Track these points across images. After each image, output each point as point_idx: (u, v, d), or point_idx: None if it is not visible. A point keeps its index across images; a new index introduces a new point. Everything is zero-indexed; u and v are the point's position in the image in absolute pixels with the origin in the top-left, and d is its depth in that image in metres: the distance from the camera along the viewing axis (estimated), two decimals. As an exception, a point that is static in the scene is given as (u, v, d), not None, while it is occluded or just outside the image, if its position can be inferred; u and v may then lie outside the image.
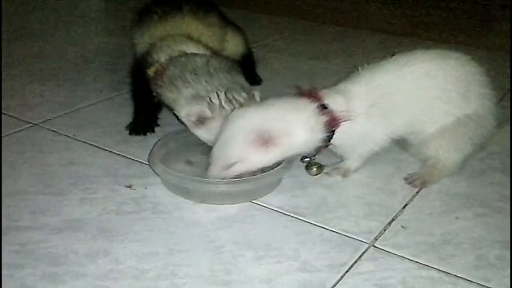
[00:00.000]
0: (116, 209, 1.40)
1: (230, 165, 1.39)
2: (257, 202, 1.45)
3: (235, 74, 1.60)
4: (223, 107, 1.50)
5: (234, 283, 1.15)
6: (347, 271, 1.19)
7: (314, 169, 1.55)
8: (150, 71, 1.68)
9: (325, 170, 1.56)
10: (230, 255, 1.24)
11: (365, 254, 1.25)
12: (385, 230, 1.34)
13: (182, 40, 1.73)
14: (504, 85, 2.25)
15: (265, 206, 1.44)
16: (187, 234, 1.31)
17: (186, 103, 1.55)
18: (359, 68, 1.52)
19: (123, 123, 1.85)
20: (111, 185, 1.51)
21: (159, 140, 1.62)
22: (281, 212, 1.41)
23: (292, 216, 1.40)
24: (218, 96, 1.50)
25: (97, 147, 1.72)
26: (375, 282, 1.16)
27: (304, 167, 1.57)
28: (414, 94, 1.48)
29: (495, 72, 1.77)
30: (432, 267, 1.20)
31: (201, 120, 1.52)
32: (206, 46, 1.75)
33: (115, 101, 2.09)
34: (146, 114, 1.83)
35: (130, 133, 1.80)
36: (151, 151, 1.57)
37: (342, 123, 1.42)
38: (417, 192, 1.51)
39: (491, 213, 1.41)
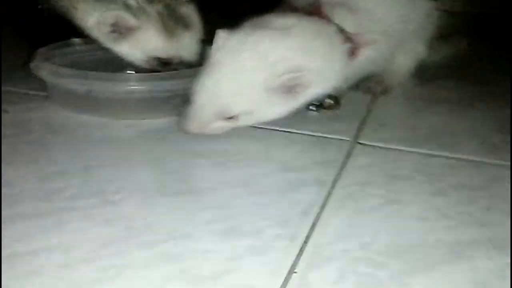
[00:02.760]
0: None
1: (228, 117, 0.94)
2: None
3: None
4: (146, 10, 1.09)
5: (198, 190, 0.80)
6: (342, 167, 0.87)
7: (329, 102, 1.13)
8: None
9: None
10: (177, 164, 0.88)
11: (353, 150, 0.94)
12: (361, 129, 1.04)
13: None
14: None
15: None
16: (105, 150, 0.93)
17: (91, 8, 1.10)
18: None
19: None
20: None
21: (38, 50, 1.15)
22: (225, 122, 1.04)
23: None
24: None
25: None
26: (384, 174, 0.86)
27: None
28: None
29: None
30: (442, 155, 0.93)
31: (121, 31, 1.09)
32: None
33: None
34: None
35: None
36: (32, 58, 1.11)
37: (364, 50, 1.04)
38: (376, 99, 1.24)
39: (465, 108, 1.20)
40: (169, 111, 1.03)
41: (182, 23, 1.13)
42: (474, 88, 1.33)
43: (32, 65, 1.08)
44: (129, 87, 1.02)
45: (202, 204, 0.75)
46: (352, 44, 1.02)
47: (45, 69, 1.05)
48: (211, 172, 0.86)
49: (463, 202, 0.79)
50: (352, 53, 1.03)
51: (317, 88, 0.96)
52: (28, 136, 0.97)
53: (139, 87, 1.02)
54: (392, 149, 0.97)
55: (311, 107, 1.12)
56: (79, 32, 1.20)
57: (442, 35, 1.49)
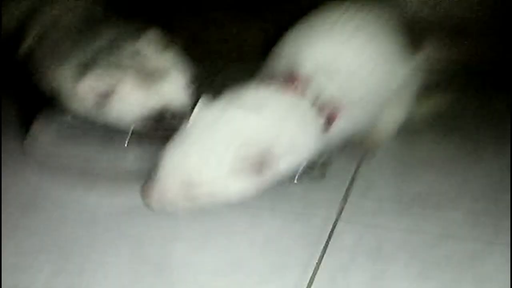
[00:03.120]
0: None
1: (191, 193, 0.91)
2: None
3: (123, 19, 1.15)
4: (121, 66, 1.05)
5: (175, 282, 0.79)
6: (326, 248, 0.86)
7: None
8: (22, 50, 1.18)
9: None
10: (156, 248, 0.83)
11: (337, 227, 0.95)
12: (344, 203, 1.03)
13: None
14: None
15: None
16: (84, 228, 0.90)
17: (69, 78, 1.08)
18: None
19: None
20: None
21: None
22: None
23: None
24: (108, 55, 1.06)
25: None
26: (370, 252, 0.86)
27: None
28: None
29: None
30: (424, 231, 0.95)
31: (104, 97, 1.06)
32: None
33: None
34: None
35: None
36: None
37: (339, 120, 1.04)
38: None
39: (451, 170, 1.19)
40: None
41: (158, 73, 1.08)
42: (459, 146, 1.32)
43: (25, 142, 1.10)
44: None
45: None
46: (326, 115, 1.02)
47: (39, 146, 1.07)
48: (191, 257, 0.83)
49: (448, 280, 0.77)
50: (328, 123, 1.03)
51: (286, 164, 0.95)
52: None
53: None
54: (375, 224, 0.95)
55: (295, 180, 1.10)
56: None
57: (427, 91, 1.49)
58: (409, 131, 1.36)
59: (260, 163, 0.90)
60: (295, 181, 1.09)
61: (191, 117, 0.96)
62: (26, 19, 1.21)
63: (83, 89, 1.04)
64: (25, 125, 1.23)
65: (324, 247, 0.87)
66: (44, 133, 1.13)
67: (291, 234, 0.92)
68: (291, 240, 0.90)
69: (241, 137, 0.90)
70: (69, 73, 1.09)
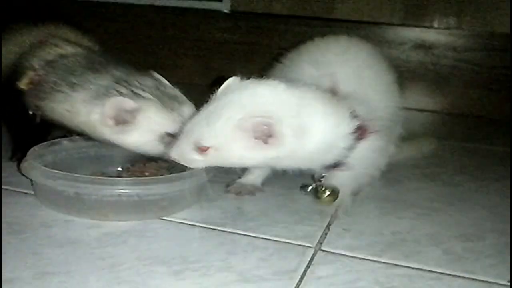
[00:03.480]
0: None
1: (202, 148, 1.01)
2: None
3: (123, 63, 1.23)
4: (140, 95, 1.12)
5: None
6: (301, 278, 0.86)
7: (327, 192, 1.17)
8: (22, 84, 1.23)
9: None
10: (133, 272, 0.85)
11: (315, 258, 0.94)
12: (326, 234, 1.04)
13: (59, 43, 1.31)
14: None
15: (166, 220, 1.08)
16: (62, 254, 0.91)
17: (88, 104, 1.14)
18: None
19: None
20: None
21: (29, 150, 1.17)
22: (190, 224, 1.05)
23: (206, 227, 1.04)
24: (124, 86, 1.13)
25: None
26: (344, 286, 0.84)
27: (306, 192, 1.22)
28: None
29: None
30: (403, 265, 0.92)
31: (125, 120, 1.11)
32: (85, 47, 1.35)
33: None
34: (31, 138, 1.31)
35: (14, 160, 1.32)
36: (24, 159, 1.12)
37: (369, 135, 1.10)
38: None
39: (431, 212, 1.21)
40: (157, 212, 1.06)
41: (175, 100, 1.16)
42: (441, 190, 1.35)
43: (22, 165, 1.09)
44: (117, 191, 1.02)
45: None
46: (360, 125, 1.07)
47: (35, 170, 1.06)
48: (166, 282, 0.84)
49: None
50: (360, 135, 1.07)
51: (296, 147, 1.00)
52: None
53: (128, 191, 1.02)
54: (354, 257, 0.96)
55: (306, 189, 1.17)
56: (67, 133, 1.26)
57: (410, 135, 1.53)
58: (393, 173, 1.37)
59: (263, 132, 0.96)
60: (307, 190, 1.16)
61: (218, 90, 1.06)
62: (25, 55, 1.28)
63: (110, 110, 1.09)
64: (20, 149, 1.27)
65: (300, 278, 0.87)
66: (41, 158, 1.16)
67: (269, 264, 0.92)
68: (269, 269, 0.90)
69: (252, 104, 0.98)
70: (86, 100, 1.14)
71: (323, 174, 1.16)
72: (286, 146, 0.99)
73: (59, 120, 1.20)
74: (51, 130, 1.36)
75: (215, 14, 2.52)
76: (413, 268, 0.93)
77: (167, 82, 1.19)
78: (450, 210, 1.22)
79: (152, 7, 2.58)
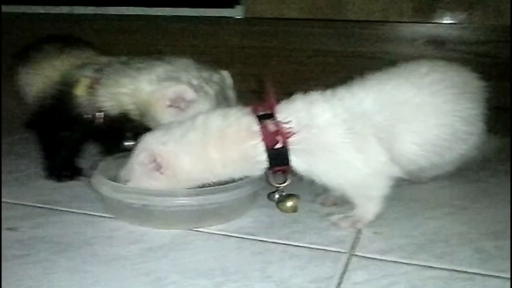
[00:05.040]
0: (-3, 254, 0.97)
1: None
2: (191, 229, 1.14)
3: (188, 58, 1.32)
4: (204, 88, 1.22)
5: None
6: (339, 284, 0.89)
7: (289, 203, 1.19)
8: (79, 90, 1.33)
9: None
10: (177, 286, 0.89)
11: (349, 263, 0.97)
12: (358, 239, 1.07)
13: (103, 57, 1.42)
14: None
15: (202, 231, 1.12)
16: (108, 271, 0.95)
17: (154, 85, 1.23)
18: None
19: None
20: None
21: (95, 163, 1.28)
22: (225, 235, 1.08)
23: (241, 237, 1.07)
24: (194, 77, 1.22)
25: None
26: (381, 289, 0.87)
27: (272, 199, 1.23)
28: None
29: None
30: (436, 267, 0.95)
31: (179, 106, 1.20)
32: None
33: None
34: (67, 156, 1.44)
35: (52, 178, 1.40)
36: (92, 174, 1.22)
37: (291, 139, 1.09)
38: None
39: (458, 211, 1.23)
40: (216, 220, 1.14)
41: (228, 103, 1.25)
42: (466, 187, 1.37)
43: (92, 180, 1.17)
44: (180, 201, 1.09)
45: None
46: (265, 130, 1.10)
47: (105, 185, 1.14)
48: (210, 294, 0.87)
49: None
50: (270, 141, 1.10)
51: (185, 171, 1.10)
52: (34, 257, 0.99)
53: (189, 201, 1.09)
54: (387, 261, 0.99)
55: (273, 198, 1.20)
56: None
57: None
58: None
59: (152, 164, 1.11)
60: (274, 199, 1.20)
61: None
62: (70, 71, 1.39)
63: (173, 94, 1.20)
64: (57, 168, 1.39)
65: (337, 284, 0.91)
66: (107, 172, 1.23)
67: (305, 271, 0.95)
68: (306, 276, 0.93)
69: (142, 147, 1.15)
70: (152, 80, 1.25)
71: (279, 184, 1.17)
72: (182, 171, 1.10)
73: (116, 108, 1.29)
74: (82, 149, 1.46)
75: (229, 20, 2.55)
76: (446, 269, 0.96)
77: (230, 83, 1.28)
78: (477, 208, 1.24)
79: (165, 16, 2.62)
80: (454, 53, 2.31)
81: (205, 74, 1.25)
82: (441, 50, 2.31)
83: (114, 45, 1.78)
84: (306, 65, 2.46)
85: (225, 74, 1.31)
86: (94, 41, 1.63)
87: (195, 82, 1.22)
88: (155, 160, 1.09)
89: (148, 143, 1.12)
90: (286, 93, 1.17)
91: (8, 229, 1.11)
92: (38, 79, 1.43)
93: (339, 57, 2.43)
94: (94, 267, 0.96)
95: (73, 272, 0.94)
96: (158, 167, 1.10)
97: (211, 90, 1.23)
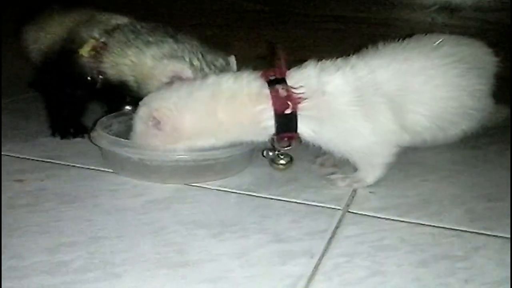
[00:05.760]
0: (5, 203, 1.03)
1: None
2: (192, 184, 1.17)
3: (197, 39, 1.33)
4: (204, 70, 1.23)
5: (195, 263, 0.86)
6: (331, 237, 0.93)
7: (282, 161, 1.22)
8: (84, 51, 1.35)
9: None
10: (177, 235, 0.93)
11: (343, 219, 1.01)
12: (353, 197, 1.10)
13: (112, 15, 1.43)
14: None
15: (203, 187, 1.16)
16: (112, 221, 0.99)
17: (156, 61, 1.25)
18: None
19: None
20: (-8, 181, 1.12)
21: (97, 120, 1.31)
22: (225, 191, 1.13)
23: (241, 193, 1.12)
24: (197, 58, 1.23)
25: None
26: (371, 244, 0.92)
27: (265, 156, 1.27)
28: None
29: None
30: (426, 224, 0.99)
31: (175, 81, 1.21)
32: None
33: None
34: (71, 113, 1.47)
35: (57, 135, 1.45)
36: (93, 129, 1.26)
37: (301, 105, 1.09)
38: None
39: (454, 174, 1.27)
40: (212, 176, 1.17)
41: None
42: (464, 153, 1.40)
43: (92, 134, 1.21)
44: (175, 156, 1.13)
45: (198, 277, 0.81)
46: (275, 95, 1.10)
47: (104, 139, 1.18)
48: (208, 243, 0.92)
49: (443, 273, 0.84)
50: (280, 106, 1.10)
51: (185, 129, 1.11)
52: (41, 207, 1.03)
53: (185, 157, 1.13)
54: (380, 218, 1.03)
55: (265, 154, 1.23)
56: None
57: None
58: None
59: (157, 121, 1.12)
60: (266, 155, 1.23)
61: None
62: (77, 29, 1.41)
63: (171, 71, 1.22)
64: (59, 125, 1.44)
65: (330, 237, 0.95)
66: (108, 128, 1.29)
67: (301, 225, 0.99)
68: (301, 229, 0.97)
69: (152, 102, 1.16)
70: (151, 58, 1.27)
71: (280, 147, 1.19)
72: (182, 128, 1.11)
73: (116, 75, 1.32)
74: (87, 107, 1.50)
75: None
76: (435, 226, 0.99)
77: (234, 69, 1.30)
78: (473, 173, 1.27)
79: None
80: (467, 21, 2.29)
81: (210, 57, 1.26)
82: (453, 17, 2.29)
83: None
84: (317, 30, 2.46)
85: (232, 60, 1.32)
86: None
87: (196, 63, 1.23)
88: (154, 117, 1.10)
89: (150, 99, 1.13)
90: (296, 60, 1.17)
91: (15, 180, 1.14)
92: (45, 36, 1.46)
93: (350, 23, 2.43)
94: (98, 217, 1.00)
95: (79, 221, 0.98)
96: (157, 123, 1.10)
97: (211, 73, 1.23)
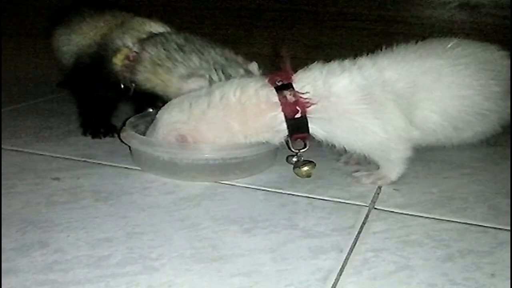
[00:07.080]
0: (45, 201, 1.08)
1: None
2: (221, 182, 1.21)
3: (222, 48, 1.37)
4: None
5: (228, 257, 0.89)
6: (359, 233, 0.96)
7: (303, 168, 1.22)
8: (117, 59, 1.40)
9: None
10: (210, 231, 0.97)
11: (370, 215, 1.04)
12: (378, 194, 1.13)
13: (145, 22, 1.47)
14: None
15: (231, 184, 1.20)
16: (146, 217, 1.04)
17: (182, 82, 1.30)
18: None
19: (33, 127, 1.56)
20: (31, 179, 1.19)
21: (126, 120, 1.36)
22: (253, 188, 1.16)
23: (268, 190, 1.15)
24: (217, 73, 1.28)
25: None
26: (397, 239, 0.95)
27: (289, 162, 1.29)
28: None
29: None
30: (451, 220, 1.01)
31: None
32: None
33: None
34: (102, 114, 1.53)
35: (88, 135, 1.50)
36: (122, 129, 1.31)
37: (310, 109, 1.13)
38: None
39: (477, 171, 1.29)
40: (239, 174, 1.21)
41: None
42: (486, 151, 1.42)
43: (122, 134, 1.27)
44: (204, 155, 1.17)
45: (231, 271, 0.85)
46: (285, 101, 1.14)
47: (134, 138, 1.23)
48: (240, 238, 0.95)
49: (469, 268, 0.87)
50: (291, 111, 1.14)
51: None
52: (78, 204, 1.08)
53: (212, 155, 1.17)
54: (405, 214, 1.05)
55: (291, 161, 1.26)
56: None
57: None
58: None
59: (177, 137, 1.18)
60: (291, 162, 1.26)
61: None
62: (112, 35, 1.46)
63: (185, 87, 1.27)
64: (91, 125, 1.49)
65: (357, 233, 0.98)
66: (136, 128, 1.34)
67: (329, 221, 1.02)
68: (329, 225, 1.00)
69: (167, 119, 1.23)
70: (177, 78, 1.32)
71: (298, 150, 1.22)
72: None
73: (148, 86, 1.37)
74: (116, 108, 1.55)
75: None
76: (460, 223, 1.02)
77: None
78: (495, 170, 1.29)
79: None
80: (486, 17, 2.30)
81: (231, 70, 1.30)
82: (473, 14, 2.30)
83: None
84: (334, 29, 2.48)
85: (253, 66, 1.35)
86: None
87: (215, 77, 1.28)
88: (180, 137, 1.16)
89: (169, 122, 1.18)
90: (310, 59, 1.21)
91: (52, 179, 1.19)
92: (77, 38, 1.51)
93: (368, 22, 2.44)
94: (133, 213, 1.04)
95: (115, 218, 1.02)
96: (183, 140, 1.17)
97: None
